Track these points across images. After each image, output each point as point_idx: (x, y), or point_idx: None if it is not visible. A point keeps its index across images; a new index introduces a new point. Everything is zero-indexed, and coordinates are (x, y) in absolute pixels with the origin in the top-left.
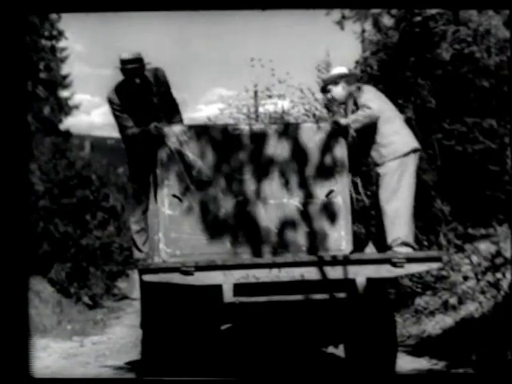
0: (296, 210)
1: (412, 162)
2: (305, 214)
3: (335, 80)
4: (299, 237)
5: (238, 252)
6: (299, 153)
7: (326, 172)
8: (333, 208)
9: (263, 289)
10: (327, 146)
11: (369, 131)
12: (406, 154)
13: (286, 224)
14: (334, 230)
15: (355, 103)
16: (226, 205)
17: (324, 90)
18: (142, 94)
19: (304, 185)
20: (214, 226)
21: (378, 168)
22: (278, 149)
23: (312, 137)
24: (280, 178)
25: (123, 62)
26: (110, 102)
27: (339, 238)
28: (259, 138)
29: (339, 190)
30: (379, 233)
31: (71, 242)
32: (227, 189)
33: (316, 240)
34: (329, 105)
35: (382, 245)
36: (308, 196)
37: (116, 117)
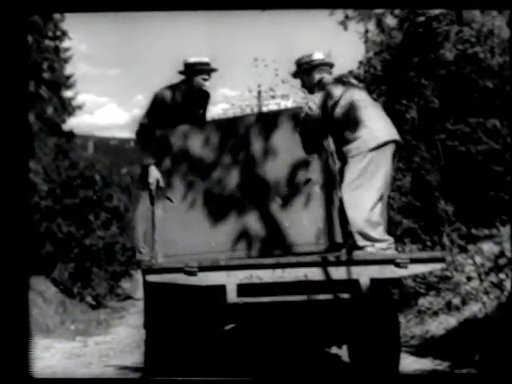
0: (274, 203)
1: (384, 157)
2: (282, 206)
3: (310, 67)
4: (276, 231)
5: (229, 251)
6: (275, 142)
7: (304, 161)
8: (310, 198)
9: (267, 289)
10: (303, 134)
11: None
12: (373, 149)
13: (266, 219)
14: (313, 222)
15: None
16: (219, 205)
17: (296, 75)
18: (195, 103)
19: (281, 175)
20: (206, 227)
21: (344, 164)
22: (254, 139)
23: (288, 125)
24: (259, 170)
25: (205, 64)
26: (158, 99)
27: (317, 230)
28: (239, 131)
29: (317, 179)
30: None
31: (74, 242)
32: (219, 189)
33: (293, 233)
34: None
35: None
36: (285, 186)
37: (151, 115)
